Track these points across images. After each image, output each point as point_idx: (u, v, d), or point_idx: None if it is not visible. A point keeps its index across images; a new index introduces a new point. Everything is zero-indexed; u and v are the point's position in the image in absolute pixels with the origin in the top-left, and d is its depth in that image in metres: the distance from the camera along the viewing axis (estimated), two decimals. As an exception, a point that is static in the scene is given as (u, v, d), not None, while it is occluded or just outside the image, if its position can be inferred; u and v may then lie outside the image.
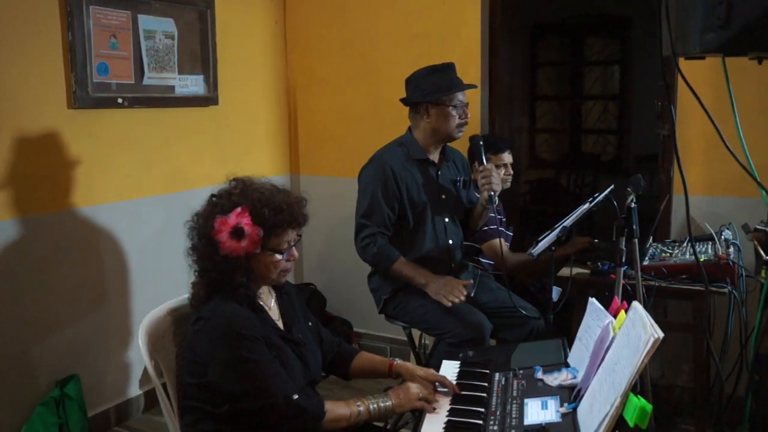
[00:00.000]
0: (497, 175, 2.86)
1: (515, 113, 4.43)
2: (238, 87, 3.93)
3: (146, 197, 3.43)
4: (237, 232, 1.84)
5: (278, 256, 1.92)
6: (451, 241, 2.97)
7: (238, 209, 1.86)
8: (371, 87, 4.00)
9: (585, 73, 6.97)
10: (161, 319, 1.98)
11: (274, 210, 1.88)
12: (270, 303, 2.03)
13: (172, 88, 3.49)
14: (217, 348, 1.81)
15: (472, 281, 2.85)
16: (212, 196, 1.94)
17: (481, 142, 2.91)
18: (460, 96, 2.90)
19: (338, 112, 4.22)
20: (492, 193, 2.80)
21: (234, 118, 3.93)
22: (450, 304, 2.70)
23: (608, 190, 2.68)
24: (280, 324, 2.01)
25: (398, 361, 2.12)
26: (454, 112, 2.88)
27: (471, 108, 3.66)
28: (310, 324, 2.13)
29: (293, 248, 1.97)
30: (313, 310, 4.10)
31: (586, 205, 2.68)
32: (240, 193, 1.90)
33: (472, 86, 2.96)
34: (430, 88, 2.88)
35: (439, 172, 2.99)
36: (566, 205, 3.23)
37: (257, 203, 1.88)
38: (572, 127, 7.04)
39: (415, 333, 3.16)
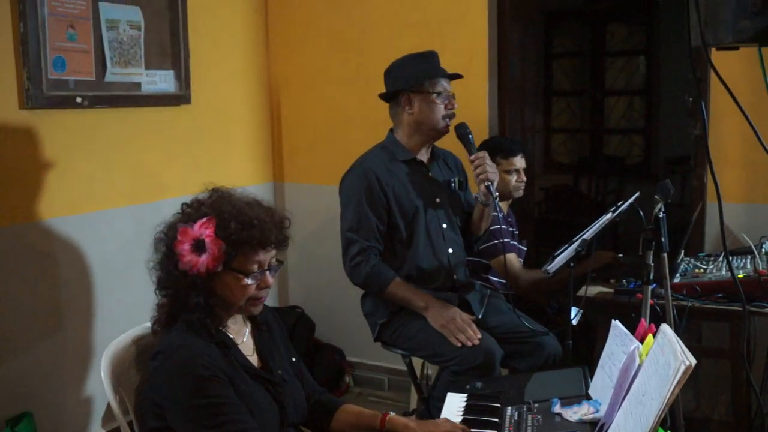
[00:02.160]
0: (492, 163, 2.87)
1: (528, 111, 4.45)
2: (213, 84, 3.94)
3: (109, 209, 3.43)
4: (198, 245, 1.84)
5: (245, 280, 1.89)
6: (450, 250, 2.98)
7: (203, 219, 1.85)
8: (364, 84, 4.02)
9: (607, 64, 7.01)
10: (126, 348, 1.99)
11: (242, 224, 1.86)
12: (243, 335, 2.02)
13: (138, 85, 3.50)
14: (175, 390, 1.80)
15: (476, 317, 2.86)
16: (183, 205, 1.95)
17: (468, 130, 2.92)
18: (444, 83, 2.93)
19: (327, 111, 4.23)
20: (489, 183, 2.81)
21: (209, 118, 3.93)
22: (459, 344, 2.71)
23: (633, 197, 2.69)
24: (254, 359, 1.99)
25: (392, 415, 2.04)
26: (438, 101, 2.90)
27: (477, 106, 3.68)
28: (293, 359, 2.12)
29: (267, 274, 1.93)
30: (300, 337, 4.15)
31: (609, 215, 2.69)
32: (212, 204, 1.90)
33: (457, 75, 2.98)
34: (411, 75, 2.91)
35: (430, 174, 3.01)
36: (586, 215, 3.25)
37: (225, 215, 1.87)
38: (593, 127, 7.06)
39: (417, 362, 3.16)
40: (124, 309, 3.43)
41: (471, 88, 3.73)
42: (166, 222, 1.94)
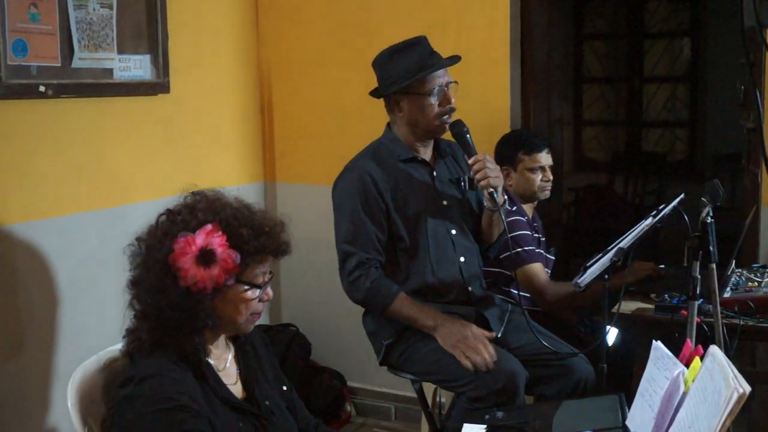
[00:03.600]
0: (496, 166, 2.85)
1: (555, 101, 4.45)
2: (195, 71, 3.94)
3: (77, 213, 3.43)
4: (205, 256, 1.84)
5: (251, 293, 1.91)
6: (462, 258, 2.98)
7: (208, 227, 1.86)
8: (367, 71, 4.01)
9: (646, 47, 7.01)
10: (96, 372, 1.99)
11: (254, 230, 1.88)
12: (225, 360, 2.02)
13: (110, 71, 3.50)
14: (145, 424, 1.79)
15: (494, 334, 2.85)
16: (167, 211, 1.94)
17: (466, 129, 2.91)
18: (436, 77, 2.90)
19: (325, 103, 4.24)
20: (491, 190, 2.80)
21: (190, 110, 3.94)
22: (471, 366, 2.71)
23: (677, 200, 2.68)
24: (237, 389, 2.00)
25: None
26: (432, 100, 2.89)
27: (497, 96, 3.67)
28: (284, 388, 2.12)
29: (268, 286, 1.98)
30: (294, 360, 4.15)
31: (649, 221, 2.69)
32: (209, 209, 1.90)
33: (450, 61, 2.95)
34: (395, 74, 2.91)
35: (435, 173, 3.01)
36: (623, 220, 3.24)
37: (232, 221, 1.88)
38: (630, 118, 7.06)
39: (428, 387, 3.15)
40: (94, 327, 3.43)
41: (490, 75, 3.73)
42: (145, 232, 1.93)
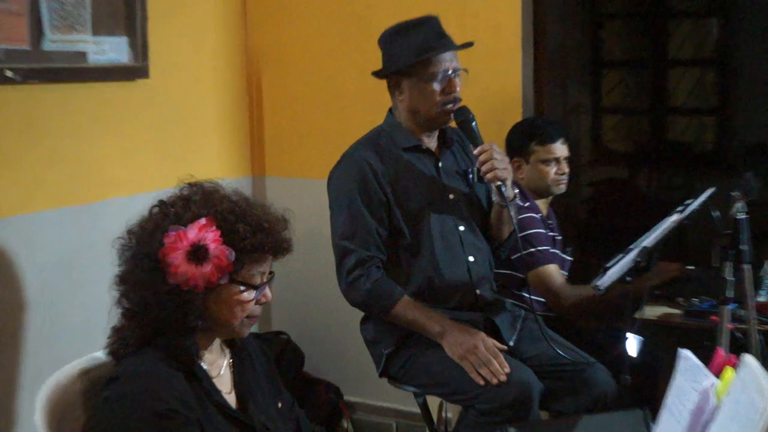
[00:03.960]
0: (504, 157, 2.85)
1: (572, 87, 4.45)
2: (176, 54, 3.94)
3: (48, 210, 3.44)
4: (197, 252, 1.85)
5: (247, 294, 1.92)
6: (471, 258, 2.98)
7: (203, 220, 1.87)
8: (366, 56, 4.00)
9: (671, 28, 6.99)
10: (69, 384, 1.98)
11: (252, 227, 1.89)
12: (220, 366, 2.03)
13: (84, 55, 3.50)
14: (129, 429, 1.80)
15: (506, 347, 2.86)
16: (160, 203, 1.95)
17: (471, 116, 2.90)
18: (444, 60, 2.90)
19: (319, 90, 4.24)
20: (499, 183, 2.80)
21: (172, 97, 3.94)
22: (482, 381, 2.71)
23: (706, 194, 2.69)
24: (231, 399, 2.00)
25: None
26: (433, 86, 2.89)
27: (507, 82, 3.67)
28: (280, 405, 2.12)
29: (267, 287, 1.99)
30: (286, 371, 4.14)
31: (675, 217, 2.69)
32: (202, 201, 1.92)
33: (458, 46, 2.95)
34: (398, 54, 2.92)
35: (441, 164, 3.01)
36: (646, 217, 3.23)
37: (228, 215, 1.89)
38: (653, 106, 7.05)
39: (433, 401, 3.15)
40: (65, 334, 3.43)
41: (500, 59, 3.73)
42: (136, 224, 1.94)
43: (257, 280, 1.94)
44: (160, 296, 1.87)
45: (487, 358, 2.73)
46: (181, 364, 1.88)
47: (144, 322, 1.90)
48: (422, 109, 2.93)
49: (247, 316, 1.97)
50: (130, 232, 1.94)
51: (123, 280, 1.93)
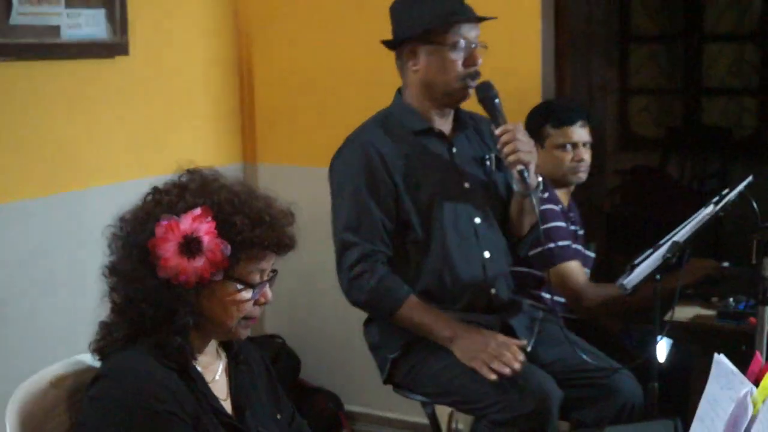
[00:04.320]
0: (529, 139, 2.84)
1: (596, 64, 4.44)
2: (159, 28, 3.94)
3: (18, 201, 3.44)
4: (189, 245, 1.85)
5: (245, 293, 1.92)
6: (487, 254, 2.98)
7: (197, 210, 1.87)
8: (369, 28, 4.00)
9: (707, -1, 6.98)
10: (42, 393, 1.98)
11: (251, 219, 1.89)
12: (215, 371, 2.03)
13: (57, 29, 3.50)
14: (117, 427, 1.80)
15: (525, 342, 2.86)
16: (154, 190, 1.96)
17: (494, 92, 2.89)
18: (465, 30, 2.90)
19: (317, 67, 4.24)
20: (522, 168, 2.80)
21: (153, 75, 3.94)
22: (494, 376, 2.70)
23: (744, 184, 2.68)
24: (226, 406, 2.00)
25: None
26: (453, 55, 2.89)
27: (526, 59, 3.66)
28: (279, 417, 2.12)
29: (267, 287, 1.99)
30: (280, 378, 4.13)
31: (710, 209, 2.69)
32: (200, 190, 1.92)
33: (485, 18, 2.95)
34: (417, 18, 2.90)
35: (455, 149, 3.01)
36: (678, 209, 3.24)
37: (226, 206, 1.89)
38: (687, 86, 7.04)
39: (442, 411, 3.16)
40: (37, 337, 3.44)
41: (517, 34, 3.72)
42: (128, 212, 1.95)
43: (255, 279, 1.94)
44: (149, 290, 1.87)
45: (499, 351, 2.73)
46: (174, 363, 1.89)
47: (131, 318, 1.90)
48: (440, 81, 2.92)
49: (245, 317, 1.97)
50: (121, 219, 1.95)
51: (112, 271, 1.93)
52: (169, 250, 1.85)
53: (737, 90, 6.96)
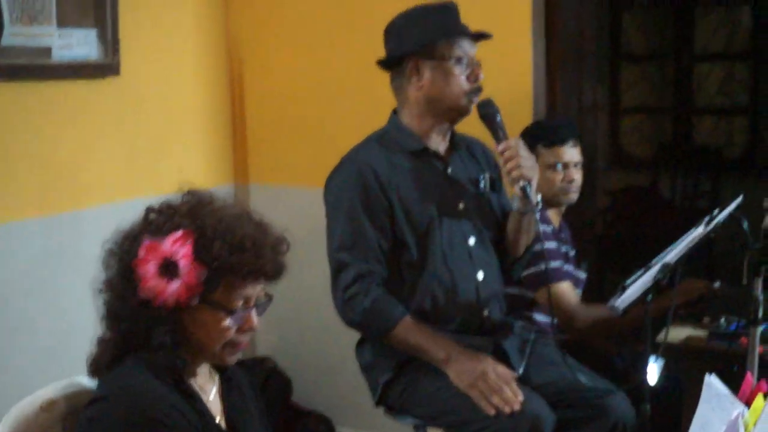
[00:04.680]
0: (530, 155, 2.86)
1: (587, 83, 4.45)
2: (150, 48, 3.95)
3: (10, 222, 3.44)
4: (168, 267, 1.86)
5: (226, 320, 1.92)
6: (481, 275, 2.99)
7: (179, 233, 1.87)
8: (362, 48, 4.01)
9: (698, 17, 7.01)
10: (33, 417, 1.97)
11: (230, 246, 1.89)
12: (210, 392, 2.04)
13: (48, 50, 3.50)
14: None
15: (519, 375, 2.86)
16: (148, 209, 1.97)
17: (495, 109, 2.91)
18: (466, 46, 2.93)
19: (309, 87, 4.24)
20: (525, 184, 2.81)
21: (145, 96, 3.94)
22: (493, 411, 2.70)
23: (735, 204, 2.69)
24: (221, 424, 2.01)
25: None
26: (457, 70, 2.90)
27: (516, 78, 3.67)
28: None
29: (252, 312, 1.97)
30: (272, 401, 4.13)
31: (701, 229, 2.70)
32: (189, 212, 1.93)
33: (484, 35, 2.98)
34: (420, 34, 2.91)
35: (449, 169, 3.02)
36: (669, 229, 3.24)
37: (208, 230, 1.89)
38: (678, 105, 7.07)
39: (434, 434, 3.16)
40: (30, 360, 3.43)
41: (508, 52, 3.73)
42: (124, 229, 1.96)
43: (236, 305, 1.93)
44: (130, 309, 1.88)
45: (499, 386, 2.73)
46: (170, 378, 1.89)
47: (117, 335, 1.92)
48: (446, 95, 2.92)
49: (229, 343, 1.96)
50: (115, 236, 1.96)
51: (104, 287, 1.94)
52: (149, 271, 1.86)
53: (727, 109, 6.98)
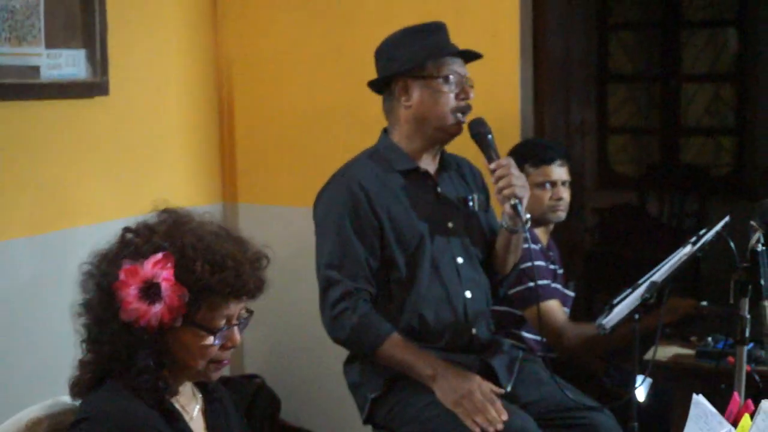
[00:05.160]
0: (521, 174, 2.88)
1: (575, 104, 4.47)
2: (139, 68, 3.95)
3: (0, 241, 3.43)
4: (149, 290, 1.85)
5: (209, 339, 1.92)
6: (468, 294, 2.99)
7: (159, 255, 1.86)
8: (351, 69, 4.03)
9: (684, 39, 7.04)
10: None
11: (212, 265, 1.88)
12: (192, 411, 2.03)
13: (37, 70, 3.50)
14: None
15: (505, 391, 2.86)
16: (125, 230, 1.96)
17: (487, 128, 2.93)
18: (456, 65, 2.95)
19: (298, 107, 4.25)
20: (516, 201, 2.82)
21: (134, 116, 3.94)
22: (478, 430, 2.70)
23: (721, 224, 2.70)
24: None
25: None
26: (446, 88, 2.92)
27: (504, 98, 3.69)
28: None
29: (235, 330, 1.97)
30: (259, 419, 4.12)
31: (688, 249, 2.70)
32: (167, 232, 1.92)
33: (474, 55, 3.00)
34: (409, 54, 2.93)
35: (439, 189, 3.03)
36: (656, 248, 3.25)
37: (189, 251, 1.88)
38: (665, 125, 7.09)
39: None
40: (16, 381, 3.41)
41: (496, 73, 3.74)
42: (100, 251, 1.95)
43: (219, 324, 1.92)
44: (111, 332, 1.88)
45: (483, 405, 2.73)
46: (152, 400, 1.88)
47: (98, 358, 1.91)
48: (434, 115, 2.93)
49: (213, 360, 1.96)
50: (92, 258, 1.95)
51: (83, 310, 1.94)
52: (130, 294, 1.85)
53: (714, 129, 7.01)
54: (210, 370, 1.97)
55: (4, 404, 3.13)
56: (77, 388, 1.94)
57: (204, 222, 1.98)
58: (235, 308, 1.95)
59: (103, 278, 1.90)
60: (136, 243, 1.91)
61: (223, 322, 1.93)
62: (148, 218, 1.98)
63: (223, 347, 1.96)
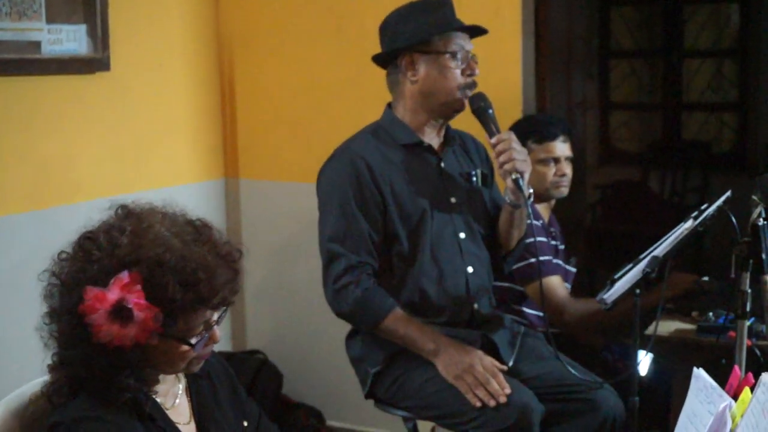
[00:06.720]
0: (522, 148, 2.87)
1: (577, 80, 4.47)
2: (141, 44, 3.94)
3: (0, 216, 3.43)
4: (119, 312, 1.78)
5: (187, 347, 1.88)
6: (470, 269, 2.99)
7: (124, 278, 1.78)
8: (352, 44, 4.02)
9: (686, 15, 7.02)
10: (22, 410, 1.97)
11: (183, 284, 1.81)
12: (175, 395, 2.01)
13: (38, 45, 3.49)
14: None
15: (507, 368, 2.86)
16: (86, 238, 1.88)
17: (488, 103, 2.92)
18: (461, 41, 2.94)
19: (299, 82, 4.24)
20: (517, 176, 2.81)
21: (135, 91, 3.93)
22: (479, 403, 2.71)
23: (723, 198, 2.69)
24: (190, 428, 1.99)
25: None
26: (452, 63, 2.91)
27: (506, 74, 3.67)
28: (246, 424, 2.11)
29: (215, 329, 1.92)
30: (262, 394, 4.14)
31: (689, 224, 2.70)
32: (129, 245, 1.82)
33: (480, 30, 2.99)
34: (415, 29, 2.92)
35: (443, 164, 3.02)
36: (658, 224, 3.25)
37: (156, 268, 1.80)
38: (667, 101, 7.07)
39: (424, 426, 3.16)
40: (23, 353, 3.42)
41: (498, 49, 3.73)
42: (62, 261, 1.88)
43: (197, 331, 1.87)
44: (84, 355, 1.82)
45: (485, 378, 2.74)
46: (130, 405, 1.85)
47: (72, 376, 1.85)
48: (440, 90, 2.92)
49: (193, 359, 1.92)
50: (55, 267, 1.88)
51: (48, 319, 1.87)
52: (100, 317, 1.77)
53: (716, 105, 6.99)
54: (192, 365, 1.94)
55: (6, 379, 3.15)
56: (56, 398, 1.86)
57: (167, 218, 1.90)
58: (212, 313, 1.90)
59: (66, 300, 1.83)
60: (98, 259, 1.82)
61: (201, 328, 1.88)
62: (105, 219, 1.89)
63: (205, 346, 1.92)
